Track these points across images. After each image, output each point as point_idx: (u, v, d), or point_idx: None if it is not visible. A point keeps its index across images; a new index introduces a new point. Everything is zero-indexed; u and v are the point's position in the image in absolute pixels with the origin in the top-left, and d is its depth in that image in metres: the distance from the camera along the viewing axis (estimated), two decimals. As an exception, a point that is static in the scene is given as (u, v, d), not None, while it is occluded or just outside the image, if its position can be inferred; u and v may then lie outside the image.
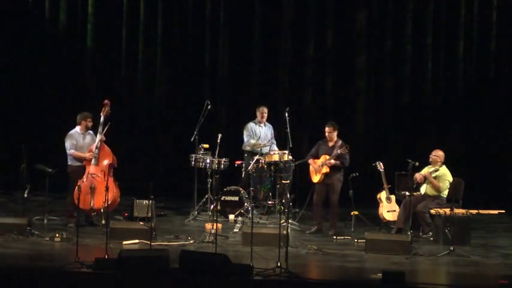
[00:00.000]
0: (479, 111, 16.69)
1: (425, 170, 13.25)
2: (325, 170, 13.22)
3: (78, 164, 13.26)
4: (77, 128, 13.39)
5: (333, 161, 13.18)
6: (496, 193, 15.74)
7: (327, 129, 13.42)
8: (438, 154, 13.26)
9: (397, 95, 16.98)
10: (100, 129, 13.25)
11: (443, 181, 13.16)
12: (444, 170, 13.22)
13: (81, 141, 13.33)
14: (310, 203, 13.73)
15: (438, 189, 13.13)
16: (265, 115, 14.85)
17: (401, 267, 10.94)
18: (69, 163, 13.34)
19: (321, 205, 13.39)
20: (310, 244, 12.14)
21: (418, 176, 13.17)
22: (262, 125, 14.88)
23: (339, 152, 13.15)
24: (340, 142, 13.31)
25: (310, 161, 13.47)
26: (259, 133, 14.83)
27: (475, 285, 10.55)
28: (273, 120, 15.19)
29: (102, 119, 13.29)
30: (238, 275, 10.04)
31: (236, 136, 15.29)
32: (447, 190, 13.18)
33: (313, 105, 17.02)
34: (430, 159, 13.26)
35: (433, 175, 13.18)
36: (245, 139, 14.80)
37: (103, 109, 13.34)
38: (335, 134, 13.41)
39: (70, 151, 13.28)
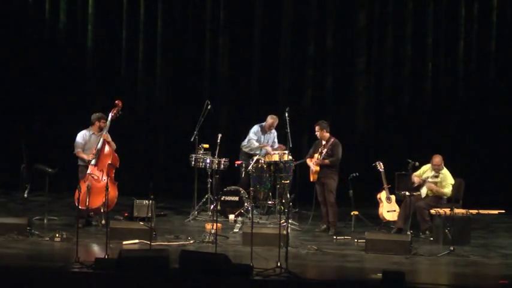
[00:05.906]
0: (479, 111, 16.68)
1: (426, 174, 13.17)
2: (316, 168, 13.24)
3: (83, 164, 13.26)
4: (89, 128, 13.37)
5: (319, 161, 13.19)
6: (496, 193, 15.73)
7: (315, 128, 13.43)
8: (437, 161, 13.13)
9: (397, 95, 16.98)
10: (105, 129, 13.24)
11: (447, 186, 13.07)
12: (445, 173, 13.15)
13: (91, 141, 13.28)
14: (315, 202, 13.70)
15: (444, 195, 13.09)
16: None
17: (401, 267, 10.94)
18: (78, 163, 13.35)
19: (324, 203, 13.39)
20: (310, 244, 12.15)
21: (416, 179, 13.11)
22: (267, 133, 14.85)
23: (324, 150, 13.16)
24: (332, 140, 13.29)
25: (308, 161, 13.50)
26: (263, 140, 14.80)
27: (475, 285, 10.56)
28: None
29: (109, 118, 13.27)
30: (238, 275, 10.04)
31: (236, 136, 15.28)
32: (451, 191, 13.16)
33: (313, 105, 17.01)
34: (433, 169, 13.13)
35: (435, 181, 13.09)
36: (249, 140, 14.73)
37: (113, 109, 13.32)
38: (324, 132, 13.38)
39: (75, 151, 13.29)
